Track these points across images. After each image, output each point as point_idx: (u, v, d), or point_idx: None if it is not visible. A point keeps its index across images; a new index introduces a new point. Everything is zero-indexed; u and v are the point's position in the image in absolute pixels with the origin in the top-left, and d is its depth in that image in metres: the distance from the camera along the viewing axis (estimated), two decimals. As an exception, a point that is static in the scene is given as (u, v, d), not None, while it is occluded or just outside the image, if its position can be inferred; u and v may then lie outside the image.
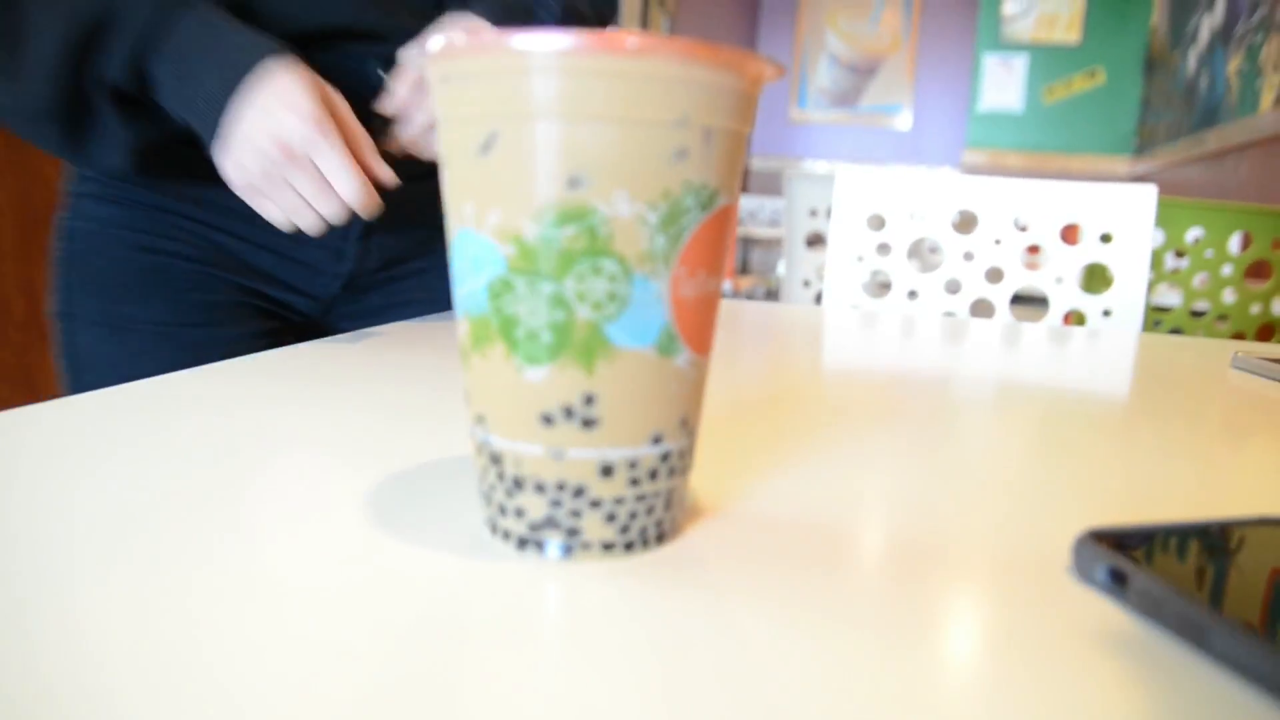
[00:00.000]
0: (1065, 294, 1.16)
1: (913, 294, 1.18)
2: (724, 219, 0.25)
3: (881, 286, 1.20)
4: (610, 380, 0.24)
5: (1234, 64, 3.11)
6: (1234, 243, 1.52)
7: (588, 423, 0.24)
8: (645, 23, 4.69)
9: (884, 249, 1.20)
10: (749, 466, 0.35)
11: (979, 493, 0.33)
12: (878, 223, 1.19)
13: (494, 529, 0.26)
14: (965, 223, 1.18)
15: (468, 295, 0.25)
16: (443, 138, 0.25)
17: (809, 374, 0.56)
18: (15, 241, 1.51)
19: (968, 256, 1.17)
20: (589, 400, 0.24)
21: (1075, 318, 1.21)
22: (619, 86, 0.22)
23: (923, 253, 1.22)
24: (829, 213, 1.95)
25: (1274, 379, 0.61)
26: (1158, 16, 4.47)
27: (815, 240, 2.24)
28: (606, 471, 0.24)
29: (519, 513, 0.25)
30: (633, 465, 0.25)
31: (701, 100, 0.23)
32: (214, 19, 0.53)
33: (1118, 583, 0.24)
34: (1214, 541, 0.26)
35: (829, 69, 5.68)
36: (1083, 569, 0.25)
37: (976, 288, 1.17)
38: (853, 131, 5.65)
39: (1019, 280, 1.16)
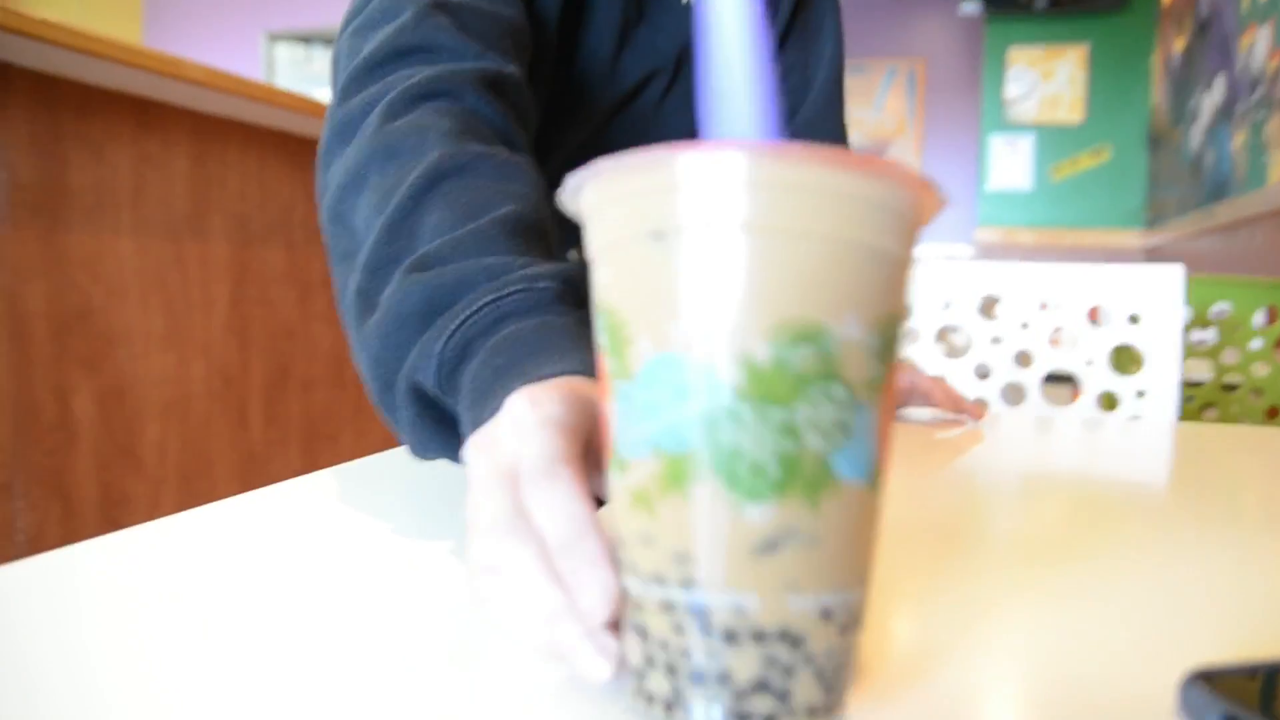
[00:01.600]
0: (1096, 376, 1.15)
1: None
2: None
3: (908, 372, 1.20)
4: (834, 517, 0.22)
5: (1238, 139, 3.15)
6: (1259, 316, 1.52)
7: (813, 565, 0.22)
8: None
9: (912, 335, 1.19)
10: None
11: (1078, 623, 0.32)
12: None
13: (669, 708, 0.22)
14: (989, 306, 1.18)
15: (663, 430, 0.22)
16: (628, 255, 0.23)
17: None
18: (49, 344, 1.53)
19: (995, 341, 1.17)
20: (814, 540, 0.22)
21: (1107, 400, 1.19)
22: (852, 207, 0.21)
23: (950, 339, 1.22)
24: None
25: (1331, 469, 0.59)
26: (1158, 95, 4.56)
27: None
28: (826, 616, 0.22)
29: (722, 679, 0.22)
30: (847, 609, 0.23)
31: (911, 227, 0.23)
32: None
33: (1236, 728, 0.22)
34: (1328, 676, 0.24)
35: (837, 153, 5.79)
36: (1192, 713, 0.24)
37: (1006, 372, 1.17)
38: (863, 213, 5.73)
39: (1048, 363, 1.15)
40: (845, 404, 0.22)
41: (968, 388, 1.17)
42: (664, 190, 0.22)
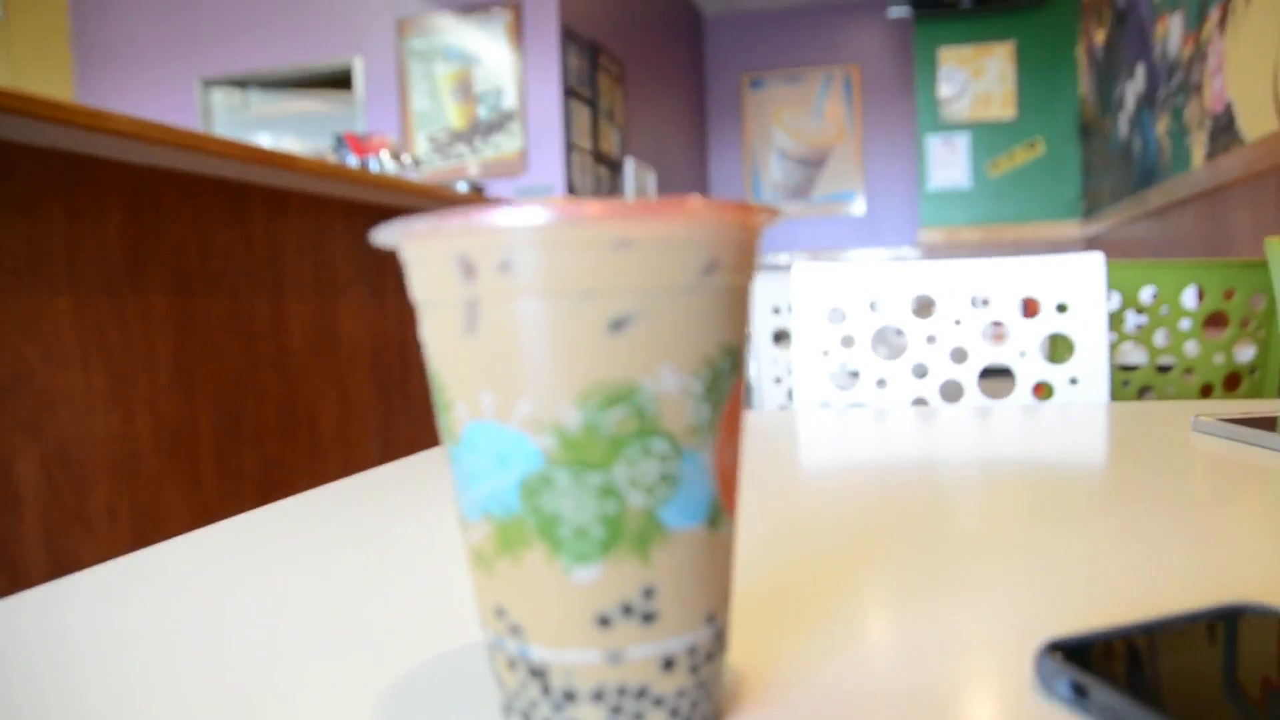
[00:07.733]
0: (1030, 366, 1.18)
1: (881, 382, 1.20)
2: (743, 378, 0.24)
3: (851, 375, 1.22)
4: (668, 567, 0.22)
5: (1162, 125, 3.25)
6: (1188, 296, 1.56)
7: (648, 617, 0.22)
8: (595, 135, 4.85)
9: (848, 341, 1.22)
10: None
11: (951, 597, 0.33)
12: (839, 316, 1.22)
13: None
14: (924, 307, 1.21)
15: (489, 495, 0.22)
16: (437, 319, 0.22)
17: (787, 490, 0.57)
18: None
19: (930, 340, 1.20)
20: (648, 593, 0.22)
21: (1044, 389, 1.23)
22: (654, 252, 0.21)
23: (888, 339, 1.25)
24: (791, 308, 1.99)
25: (1233, 439, 0.62)
26: (1085, 86, 4.69)
27: (782, 336, 2.27)
28: (668, 665, 0.22)
29: None
30: (692, 651, 0.23)
31: (735, 254, 0.22)
32: None
33: (1080, 696, 0.24)
34: (1175, 641, 0.26)
35: (779, 164, 5.87)
36: (1045, 683, 0.25)
37: (943, 370, 1.19)
38: (809, 223, 5.80)
39: (983, 358, 1.18)
40: (669, 456, 0.21)
41: (907, 387, 1.19)
42: (458, 256, 0.21)
